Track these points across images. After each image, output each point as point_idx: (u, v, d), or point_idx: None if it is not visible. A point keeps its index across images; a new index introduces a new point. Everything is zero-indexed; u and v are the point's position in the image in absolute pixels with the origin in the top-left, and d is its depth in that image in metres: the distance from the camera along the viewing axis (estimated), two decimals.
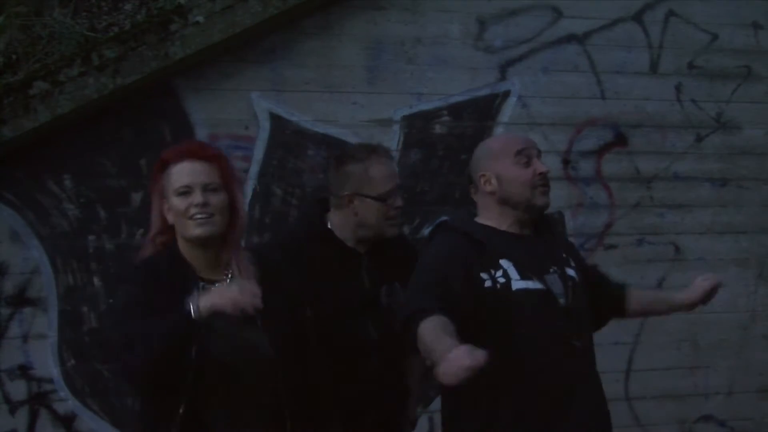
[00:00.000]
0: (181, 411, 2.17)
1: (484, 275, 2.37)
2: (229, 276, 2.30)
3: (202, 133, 3.73)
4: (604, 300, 2.65)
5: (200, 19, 3.60)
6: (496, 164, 2.49)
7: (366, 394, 2.70)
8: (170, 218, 2.29)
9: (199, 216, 2.22)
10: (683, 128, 4.29)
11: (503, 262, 2.40)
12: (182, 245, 2.31)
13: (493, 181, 2.49)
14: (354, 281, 2.78)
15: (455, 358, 1.99)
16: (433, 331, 2.19)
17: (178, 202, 2.25)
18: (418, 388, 3.04)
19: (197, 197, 2.23)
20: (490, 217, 2.52)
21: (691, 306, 2.73)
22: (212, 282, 2.28)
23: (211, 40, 3.63)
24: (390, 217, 2.80)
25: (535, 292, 2.39)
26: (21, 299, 3.60)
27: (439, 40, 4.01)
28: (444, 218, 2.63)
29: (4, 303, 3.59)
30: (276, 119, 3.83)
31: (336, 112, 3.89)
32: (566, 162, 4.13)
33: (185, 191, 2.24)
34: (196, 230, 2.23)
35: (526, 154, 2.50)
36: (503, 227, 2.50)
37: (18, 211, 3.60)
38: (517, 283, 2.38)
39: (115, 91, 3.55)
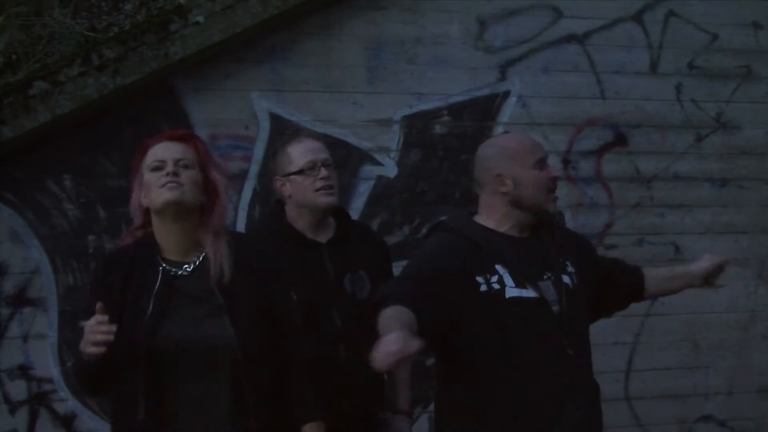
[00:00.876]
0: (142, 402, 2.17)
1: (479, 279, 2.36)
2: (200, 259, 2.29)
3: (202, 133, 3.73)
4: (620, 288, 2.65)
5: (200, 19, 3.60)
6: (514, 166, 2.46)
7: (336, 383, 2.69)
8: (145, 201, 2.30)
9: (168, 183, 2.23)
10: (683, 128, 4.29)
11: (499, 267, 2.38)
12: (156, 225, 2.31)
13: (509, 182, 2.45)
14: (318, 272, 2.80)
15: (385, 343, 1.98)
16: (387, 318, 2.18)
17: (150, 177, 2.27)
18: (404, 376, 2.99)
19: (169, 167, 2.25)
20: (491, 216, 2.50)
21: (704, 279, 2.68)
22: (179, 265, 2.28)
23: (211, 40, 3.63)
24: (319, 188, 2.82)
25: (528, 301, 2.36)
26: (21, 299, 3.60)
27: (439, 40, 4.01)
28: (441, 219, 2.61)
29: (4, 303, 3.59)
30: (276, 119, 3.83)
31: (336, 112, 3.89)
32: (566, 162, 4.14)
33: (158, 165, 2.27)
34: (164, 195, 2.23)
35: (542, 158, 2.49)
36: (502, 229, 2.48)
37: (18, 211, 3.60)
38: (511, 291, 2.36)
39: (115, 91, 3.55)
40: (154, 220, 2.31)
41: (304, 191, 2.82)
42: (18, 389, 3.59)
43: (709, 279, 2.67)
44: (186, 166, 2.27)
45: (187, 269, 2.28)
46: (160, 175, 2.25)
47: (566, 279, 2.45)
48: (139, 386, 2.17)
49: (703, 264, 2.68)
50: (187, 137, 2.37)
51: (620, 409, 4.08)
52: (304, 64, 3.87)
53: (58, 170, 3.64)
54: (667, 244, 4.24)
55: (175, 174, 2.24)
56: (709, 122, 4.33)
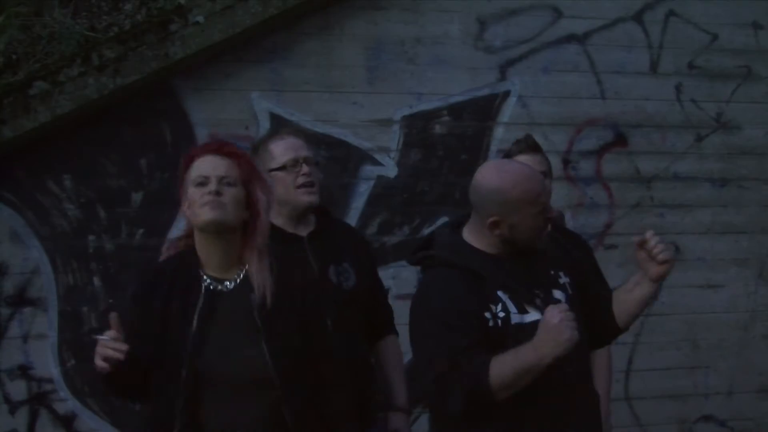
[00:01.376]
0: (178, 418, 2.17)
1: (487, 314, 2.29)
2: (241, 276, 2.29)
3: (202, 133, 3.74)
4: (598, 326, 2.49)
5: (200, 19, 3.60)
6: (513, 214, 2.32)
7: (327, 374, 2.71)
8: (188, 213, 2.29)
9: (210, 201, 2.22)
10: (683, 128, 4.29)
11: (501, 294, 2.32)
12: (198, 240, 2.31)
13: (504, 228, 2.34)
14: (301, 264, 2.78)
15: (562, 318, 2.11)
16: (503, 359, 2.18)
17: (193, 192, 2.26)
18: (400, 373, 3.03)
19: (212, 185, 2.24)
20: (479, 238, 2.40)
21: (651, 262, 2.44)
22: (221, 281, 2.28)
23: (211, 40, 3.63)
24: (300, 186, 2.83)
25: (527, 326, 2.29)
26: (21, 299, 3.60)
27: (439, 40, 4.01)
28: (431, 252, 2.45)
29: (4, 303, 3.59)
30: (276, 119, 3.83)
31: (336, 112, 3.89)
32: (566, 162, 4.14)
33: (202, 181, 2.26)
34: (206, 214, 2.22)
35: (542, 201, 2.36)
36: (491, 250, 2.39)
37: (18, 211, 3.60)
38: (515, 317, 2.30)
39: (115, 91, 3.55)
40: (197, 235, 2.30)
41: (285, 187, 2.83)
42: (18, 389, 3.59)
43: (655, 258, 2.44)
44: (229, 184, 2.26)
45: (228, 286, 2.28)
46: (203, 192, 2.24)
47: (558, 294, 2.38)
48: (177, 402, 2.17)
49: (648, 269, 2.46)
50: (233, 153, 2.34)
51: (620, 409, 4.07)
52: (304, 64, 3.87)
53: (58, 170, 3.64)
54: (667, 244, 4.22)
55: (218, 193, 2.23)
56: (709, 122, 4.33)
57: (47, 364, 3.60)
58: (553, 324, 2.16)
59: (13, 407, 3.58)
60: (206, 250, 2.29)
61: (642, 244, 2.42)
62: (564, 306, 2.21)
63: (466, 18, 4.05)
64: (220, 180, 2.25)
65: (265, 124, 3.81)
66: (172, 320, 2.22)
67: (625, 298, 2.51)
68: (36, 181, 3.62)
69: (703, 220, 4.30)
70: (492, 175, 2.39)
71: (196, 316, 2.21)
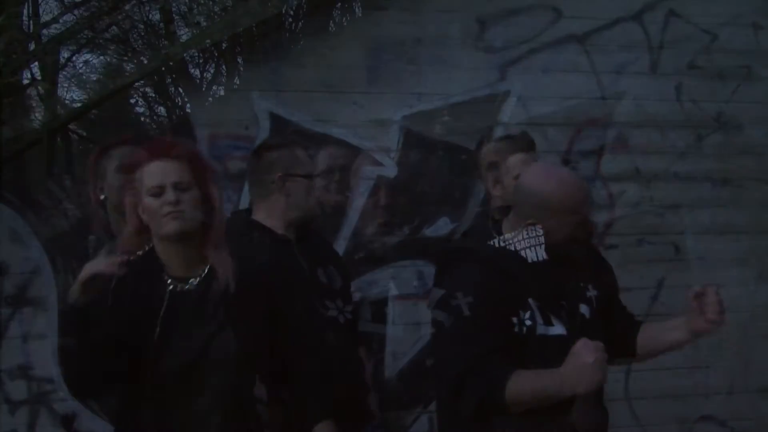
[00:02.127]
0: (147, 420, 2.19)
1: (513, 319, 2.26)
2: (205, 272, 2.30)
3: (202, 133, 3.74)
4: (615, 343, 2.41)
5: (200, 19, 3.61)
6: (550, 220, 2.28)
7: (330, 371, 2.73)
8: (145, 218, 2.30)
9: (171, 212, 2.23)
10: (683, 128, 4.29)
11: (531, 301, 2.28)
12: (158, 244, 2.32)
13: (541, 231, 2.30)
14: (293, 266, 2.86)
15: (588, 353, 2.01)
16: (523, 378, 2.15)
17: (151, 202, 2.26)
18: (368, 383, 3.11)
19: (169, 195, 2.24)
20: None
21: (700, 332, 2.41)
22: (185, 279, 2.29)
23: (211, 40, 3.63)
24: (316, 196, 2.98)
25: (551, 339, 2.27)
26: (21, 299, 3.60)
27: (439, 40, 4.01)
28: (467, 244, 2.41)
29: (4, 303, 3.58)
30: (276, 119, 3.83)
31: (336, 112, 3.89)
32: (566, 162, 4.13)
33: (157, 192, 2.26)
34: (169, 227, 2.24)
35: (582, 212, 2.31)
36: None
37: (18, 211, 3.60)
38: (540, 328, 2.27)
39: (115, 91, 3.55)
40: (157, 242, 2.31)
41: (305, 194, 2.91)
42: (18, 389, 3.59)
43: (704, 314, 2.38)
44: (183, 189, 2.26)
45: (193, 283, 2.29)
46: (161, 203, 2.24)
47: (583, 308, 2.35)
48: (145, 407, 2.19)
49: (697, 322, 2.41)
50: (181, 154, 2.32)
51: (620, 409, 4.07)
52: (304, 64, 3.87)
53: (58, 170, 3.64)
54: (667, 244, 4.23)
55: (177, 202, 2.23)
56: (709, 122, 4.32)
57: (47, 364, 3.60)
58: (587, 363, 2.08)
59: (13, 407, 3.58)
60: (169, 256, 2.30)
61: (699, 296, 2.37)
62: (600, 344, 2.12)
63: (466, 18, 4.05)
64: (176, 186, 2.24)
65: (265, 124, 3.81)
66: (135, 326, 2.22)
67: (657, 335, 2.49)
68: (36, 181, 3.61)
69: (703, 220, 4.30)
70: (536, 177, 2.35)
71: (159, 323, 2.22)
